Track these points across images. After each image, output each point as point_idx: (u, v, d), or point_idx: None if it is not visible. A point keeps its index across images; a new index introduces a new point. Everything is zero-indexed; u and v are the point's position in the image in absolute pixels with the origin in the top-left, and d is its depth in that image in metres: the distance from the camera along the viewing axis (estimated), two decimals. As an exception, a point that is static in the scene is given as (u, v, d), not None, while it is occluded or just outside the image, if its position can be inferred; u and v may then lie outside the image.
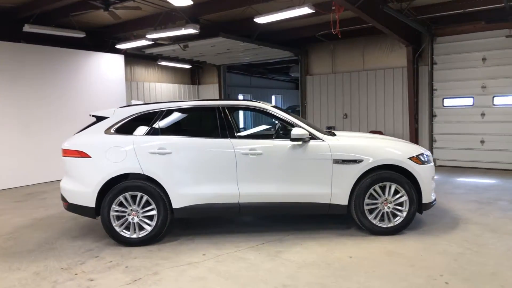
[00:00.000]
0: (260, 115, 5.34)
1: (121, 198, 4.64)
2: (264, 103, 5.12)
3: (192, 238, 4.91)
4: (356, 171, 4.71)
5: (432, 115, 10.13)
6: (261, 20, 7.89)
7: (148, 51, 11.24)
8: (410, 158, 4.78)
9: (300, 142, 4.72)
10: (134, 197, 4.66)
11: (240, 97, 18.27)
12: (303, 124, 4.85)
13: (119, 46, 10.40)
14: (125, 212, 4.67)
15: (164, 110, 4.90)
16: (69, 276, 3.92)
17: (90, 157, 4.69)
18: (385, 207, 4.77)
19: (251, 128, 4.59)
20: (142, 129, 4.83)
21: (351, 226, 5.16)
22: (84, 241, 4.97)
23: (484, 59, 9.30)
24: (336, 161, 4.71)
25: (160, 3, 7.90)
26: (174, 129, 4.90)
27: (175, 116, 4.96)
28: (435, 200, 5.01)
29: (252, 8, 7.96)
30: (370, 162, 4.70)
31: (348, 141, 4.92)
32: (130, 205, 4.66)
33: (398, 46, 10.51)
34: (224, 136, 4.78)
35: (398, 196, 4.75)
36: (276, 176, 4.74)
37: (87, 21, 9.43)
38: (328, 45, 11.65)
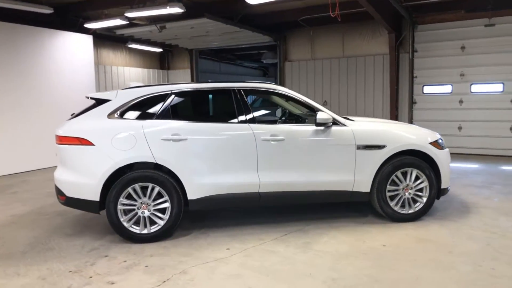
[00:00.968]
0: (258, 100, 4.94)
1: (129, 190, 4.16)
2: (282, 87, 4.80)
3: (206, 232, 4.55)
4: (379, 157, 4.55)
5: (412, 102, 10.31)
6: (252, 0, 7.49)
7: (119, 32, 10.46)
8: (430, 143, 4.71)
9: (322, 128, 4.48)
10: (143, 189, 4.21)
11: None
12: (325, 108, 4.61)
13: (88, 26, 9.53)
14: (134, 205, 4.20)
15: (175, 93, 4.44)
16: (83, 280, 3.43)
17: (93, 144, 4.15)
18: (406, 193, 4.67)
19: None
20: (151, 113, 4.35)
21: (367, 214, 5.03)
22: (83, 239, 4.44)
23: (463, 48, 9.54)
24: (359, 147, 4.53)
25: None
26: (188, 114, 4.49)
27: (188, 99, 4.53)
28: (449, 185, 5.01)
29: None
30: (393, 147, 4.57)
31: (370, 126, 4.75)
32: (140, 198, 4.20)
33: (379, 33, 10.55)
34: (242, 120, 4.43)
35: (418, 182, 4.67)
36: (298, 163, 4.47)
37: (54, -4, 8.53)
38: (307, 31, 11.46)
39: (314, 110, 4.58)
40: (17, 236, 4.58)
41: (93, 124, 4.25)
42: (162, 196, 4.24)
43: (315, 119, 4.40)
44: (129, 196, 4.19)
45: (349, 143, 4.51)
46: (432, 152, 4.68)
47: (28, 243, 4.37)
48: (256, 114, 4.70)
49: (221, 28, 10.04)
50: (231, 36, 11.13)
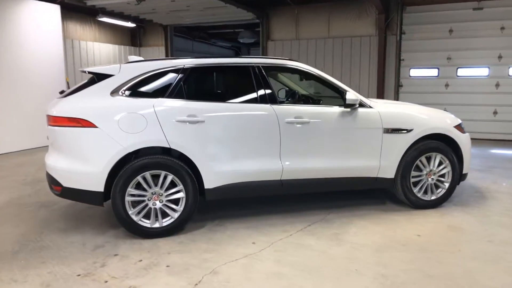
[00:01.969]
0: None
1: (139, 178, 3.64)
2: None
3: (221, 223, 4.12)
4: (406, 141, 4.30)
5: (398, 85, 10.22)
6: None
7: (90, 2, 9.50)
8: (455, 127, 4.51)
9: (349, 109, 4.14)
10: (154, 178, 3.70)
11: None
12: (349, 88, 4.26)
13: (56, -6, 8.57)
14: (144, 196, 3.69)
15: (187, 68, 3.91)
16: (98, 285, 2.93)
17: (96, 126, 3.56)
18: (429, 179, 4.47)
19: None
20: (161, 91, 3.80)
21: (385, 201, 4.80)
22: (80, 234, 3.88)
23: (451, 31, 9.51)
24: (386, 130, 4.24)
25: None
26: (203, 92, 3.99)
27: (202, 76, 4.02)
28: (467, 171, 4.86)
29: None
30: (420, 131, 4.32)
31: (396, 108, 4.48)
32: (151, 187, 3.70)
33: (366, 14, 10.31)
34: (263, 101, 3.99)
35: (442, 167, 4.47)
36: (323, 148, 4.12)
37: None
38: (292, 9, 11.01)
39: (338, 90, 4.22)
40: (0, 233, 3.94)
41: (95, 103, 3.65)
42: (174, 185, 3.76)
43: (344, 100, 4.04)
44: (137, 186, 3.68)
45: (376, 126, 4.21)
46: (456, 136, 4.48)
47: (15, 240, 3.76)
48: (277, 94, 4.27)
49: (204, 2, 9.38)
50: (213, 11, 10.48)
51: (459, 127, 4.56)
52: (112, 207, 3.66)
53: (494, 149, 8.23)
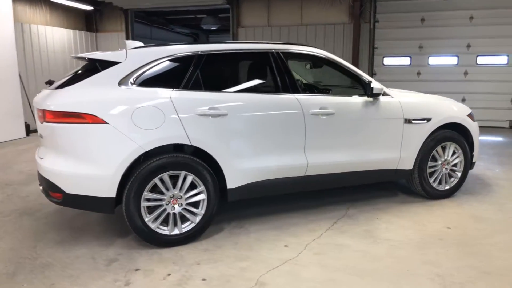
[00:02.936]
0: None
1: (156, 180, 3.19)
2: None
3: (240, 225, 3.78)
4: (424, 131, 4.19)
5: (372, 74, 10.27)
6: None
7: (46, -19, 8.51)
8: (467, 116, 4.48)
9: (372, 99, 3.94)
10: (172, 179, 3.27)
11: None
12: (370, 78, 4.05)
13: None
14: (162, 200, 3.25)
15: (203, 54, 3.48)
16: (132, 310, 2.50)
17: (106, 122, 3.05)
18: (443, 168, 4.41)
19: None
20: (176, 81, 3.35)
21: (396, 192, 4.70)
22: (84, 246, 3.37)
23: (423, 20, 9.66)
24: (407, 120, 4.10)
25: None
26: (222, 82, 3.57)
27: (219, 63, 3.58)
28: (473, 159, 4.88)
29: None
30: (438, 120, 4.23)
31: (413, 97, 4.34)
32: (168, 190, 3.26)
33: (339, 1, 10.20)
34: (285, 90, 3.67)
35: (455, 156, 4.43)
36: (348, 140, 3.89)
37: None
38: (263, -6, 10.65)
39: (360, 80, 4.00)
40: (-16, 251, 3.32)
41: (102, 95, 3.12)
42: (194, 187, 3.35)
43: (371, 89, 3.83)
44: (153, 189, 3.23)
45: (398, 116, 4.06)
46: (469, 125, 4.46)
47: (5, 258, 3.17)
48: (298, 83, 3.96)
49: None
50: (182, -6, 9.85)
51: (470, 116, 4.54)
52: (125, 214, 3.18)
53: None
